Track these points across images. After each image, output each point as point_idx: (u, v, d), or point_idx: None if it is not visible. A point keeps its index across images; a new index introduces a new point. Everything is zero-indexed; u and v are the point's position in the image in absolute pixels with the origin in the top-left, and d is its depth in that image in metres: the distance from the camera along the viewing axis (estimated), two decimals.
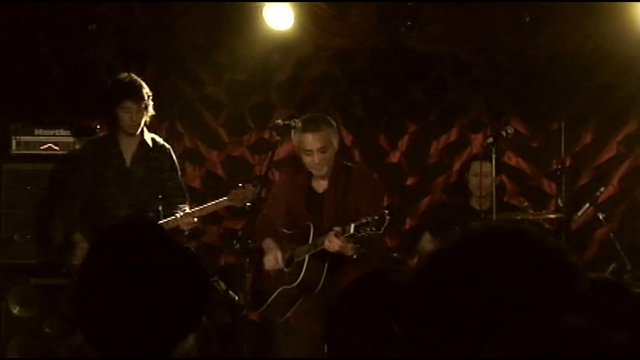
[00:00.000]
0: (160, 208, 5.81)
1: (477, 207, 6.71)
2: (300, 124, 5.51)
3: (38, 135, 6.52)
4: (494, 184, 6.31)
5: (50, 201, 6.19)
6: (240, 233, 5.52)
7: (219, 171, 7.54)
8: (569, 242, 6.97)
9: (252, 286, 5.51)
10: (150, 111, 5.85)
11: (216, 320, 6.59)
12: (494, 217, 5.96)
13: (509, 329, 1.39)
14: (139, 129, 5.84)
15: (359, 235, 5.01)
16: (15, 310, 6.29)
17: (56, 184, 6.19)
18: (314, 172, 5.58)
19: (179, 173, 6.07)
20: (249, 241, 5.45)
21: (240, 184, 5.78)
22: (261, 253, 5.68)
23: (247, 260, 5.43)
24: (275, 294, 5.53)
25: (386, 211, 4.95)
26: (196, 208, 5.78)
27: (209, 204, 5.75)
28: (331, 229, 5.24)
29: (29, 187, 6.41)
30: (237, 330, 5.70)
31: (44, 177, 6.42)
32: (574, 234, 7.18)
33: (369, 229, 4.95)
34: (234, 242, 5.46)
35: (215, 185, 7.44)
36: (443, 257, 1.48)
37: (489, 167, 6.34)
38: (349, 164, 5.78)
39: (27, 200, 6.39)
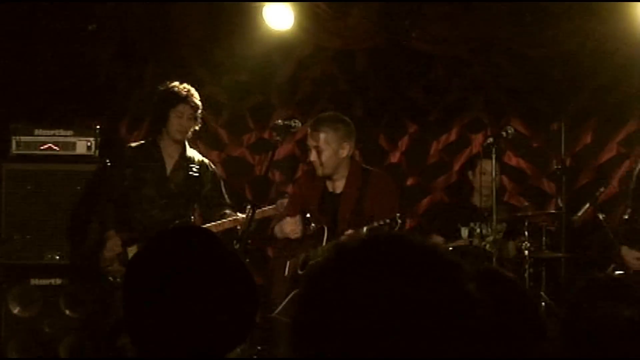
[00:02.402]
0: (192, 218, 5.94)
1: (479, 205, 6.72)
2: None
3: (38, 135, 6.51)
4: (494, 183, 6.33)
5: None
6: (240, 233, 5.51)
7: (219, 171, 7.53)
8: (569, 242, 6.97)
9: (265, 292, 5.48)
10: (199, 124, 5.96)
11: None
12: (494, 216, 5.97)
13: (394, 333, 1.37)
14: (185, 137, 5.94)
15: None
16: (15, 310, 6.29)
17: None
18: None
19: (222, 184, 6.11)
20: (249, 241, 5.44)
21: (287, 194, 5.85)
22: (272, 257, 5.67)
23: (247, 260, 5.42)
24: (290, 296, 5.47)
25: (398, 214, 4.99)
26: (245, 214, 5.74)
27: (257, 211, 5.68)
28: (345, 232, 5.23)
29: (29, 187, 6.40)
30: None
31: (44, 177, 6.42)
32: (574, 234, 7.18)
33: None
34: (234, 242, 5.45)
35: None
36: (319, 274, 1.46)
37: (495, 166, 6.36)
38: (368, 167, 5.78)
39: (27, 200, 6.39)
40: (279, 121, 5.67)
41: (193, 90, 5.94)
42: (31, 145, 6.49)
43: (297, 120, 5.63)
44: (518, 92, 7.53)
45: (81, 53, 7.06)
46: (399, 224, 4.97)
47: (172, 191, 5.89)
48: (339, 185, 5.55)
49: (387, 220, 4.99)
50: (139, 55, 7.22)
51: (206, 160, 6.14)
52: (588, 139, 7.50)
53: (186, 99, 5.87)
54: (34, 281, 6.32)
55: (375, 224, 5.04)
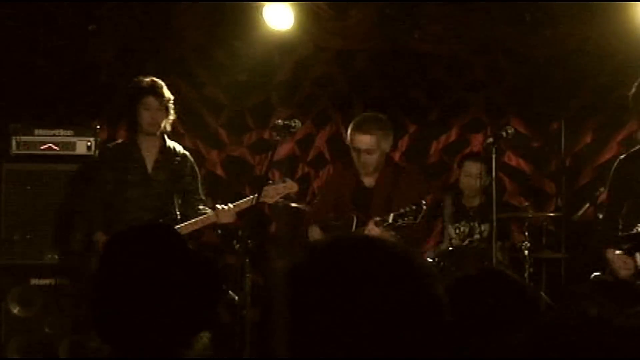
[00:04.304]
0: (178, 212, 5.85)
1: (467, 205, 6.75)
2: (354, 122, 5.72)
3: (38, 135, 6.51)
4: (479, 182, 6.36)
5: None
6: (240, 233, 5.51)
7: (219, 171, 7.55)
8: (569, 242, 6.98)
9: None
10: (172, 115, 5.87)
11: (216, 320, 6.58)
12: (494, 216, 5.96)
13: (361, 334, 1.38)
14: (159, 130, 5.85)
15: (397, 224, 5.24)
16: (15, 310, 6.28)
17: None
18: (359, 169, 5.76)
19: (199, 180, 6.04)
20: (249, 241, 5.45)
21: (270, 181, 5.85)
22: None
23: (247, 260, 5.43)
24: None
25: (423, 202, 5.20)
26: (235, 202, 5.71)
27: (245, 199, 5.68)
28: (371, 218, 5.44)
29: (29, 187, 6.40)
30: (237, 330, 5.70)
31: (44, 177, 6.42)
32: (574, 234, 7.18)
33: (406, 218, 5.21)
34: (234, 242, 5.45)
35: (214, 186, 7.45)
36: (293, 275, 1.46)
37: (479, 168, 6.38)
38: (400, 163, 5.95)
39: (27, 200, 6.38)
40: (279, 121, 5.67)
41: (159, 82, 5.85)
42: (31, 145, 6.49)
43: (297, 120, 5.63)
44: (518, 92, 7.54)
45: (81, 53, 7.06)
46: (424, 210, 5.14)
47: (157, 190, 5.84)
48: (371, 179, 5.71)
49: (413, 207, 5.19)
50: (139, 55, 7.22)
51: (187, 153, 6.05)
52: (588, 139, 7.50)
53: (151, 89, 5.79)
54: (34, 281, 6.32)
55: (402, 210, 5.25)
